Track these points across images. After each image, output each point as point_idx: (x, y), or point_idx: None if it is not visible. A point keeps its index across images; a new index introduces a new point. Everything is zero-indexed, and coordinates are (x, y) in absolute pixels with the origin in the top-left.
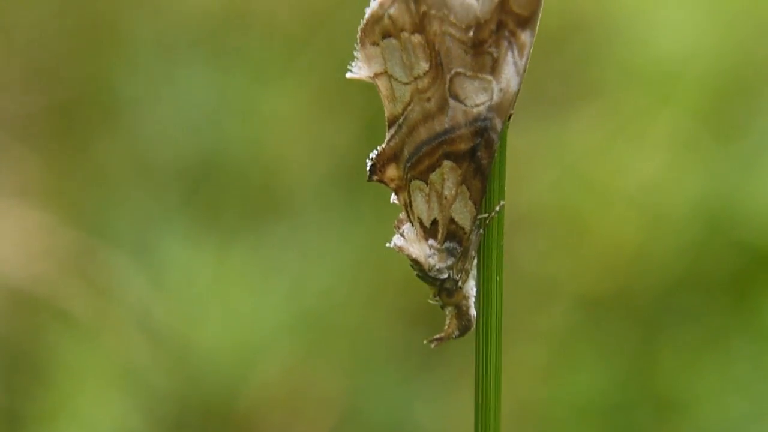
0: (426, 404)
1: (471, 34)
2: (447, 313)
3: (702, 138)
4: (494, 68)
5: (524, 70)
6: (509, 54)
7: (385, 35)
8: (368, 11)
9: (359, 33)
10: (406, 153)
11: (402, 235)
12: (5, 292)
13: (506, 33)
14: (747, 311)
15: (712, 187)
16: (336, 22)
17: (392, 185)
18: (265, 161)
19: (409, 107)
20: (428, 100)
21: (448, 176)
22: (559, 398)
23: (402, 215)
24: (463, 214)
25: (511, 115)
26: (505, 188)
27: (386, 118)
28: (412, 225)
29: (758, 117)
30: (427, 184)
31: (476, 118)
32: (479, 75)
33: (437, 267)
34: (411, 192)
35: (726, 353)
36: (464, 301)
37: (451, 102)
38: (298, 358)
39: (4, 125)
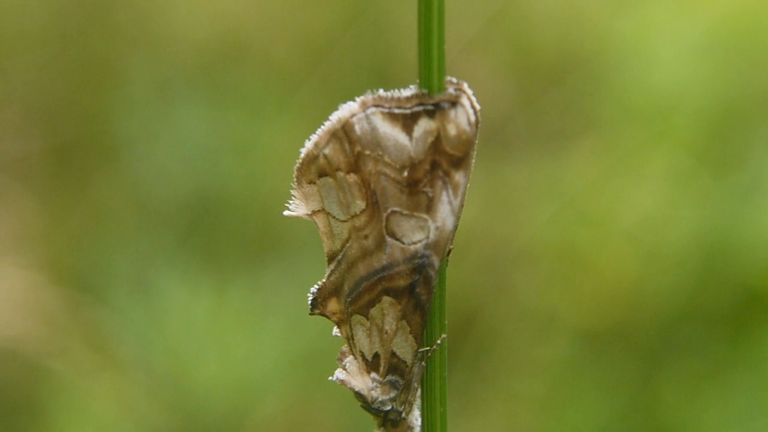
0: None
1: (405, 174)
2: None
3: (699, 172)
4: (430, 207)
5: (460, 209)
6: (444, 193)
7: (321, 174)
8: (303, 151)
9: (295, 172)
10: (346, 288)
11: (344, 368)
12: (4, 330)
13: (440, 173)
14: (747, 344)
15: (710, 221)
16: (332, 59)
17: (334, 318)
18: (263, 198)
19: (348, 244)
20: (366, 237)
21: (388, 311)
22: (559, 431)
23: (344, 348)
24: (404, 348)
25: (450, 251)
26: (446, 321)
27: (326, 254)
28: (355, 358)
29: (754, 150)
30: (367, 319)
31: (413, 256)
32: (415, 214)
33: (380, 399)
34: (352, 326)
35: (726, 386)
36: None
37: (389, 239)
38: (297, 396)
39: (2, 167)
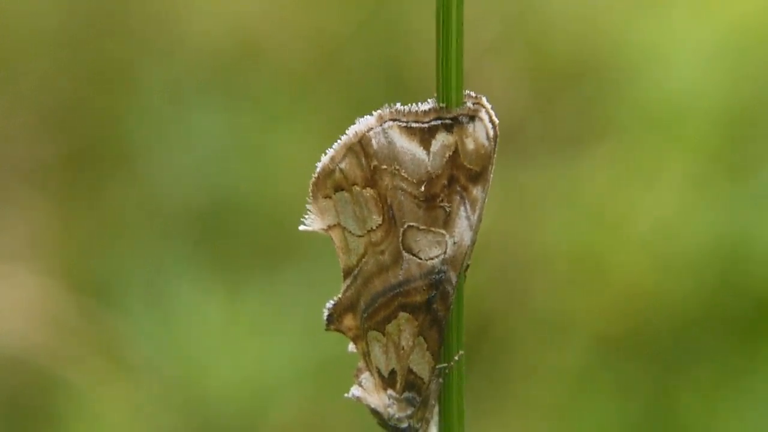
0: None
1: (423, 188)
2: None
3: (715, 177)
4: (447, 222)
5: (478, 224)
6: (462, 209)
7: (337, 189)
8: (319, 165)
9: (311, 186)
10: (362, 303)
11: (360, 384)
12: (15, 337)
13: (458, 188)
14: (764, 351)
15: (726, 226)
16: (345, 62)
17: (349, 334)
18: (277, 201)
19: (364, 259)
20: (382, 252)
21: (404, 327)
22: None
23: (360, 364)
24: (421, 364)
25: (468, 266)
26: (464, 338)
27: (341, 269)
28: (371, 374)
29: None
30: (383, 335)
31: (430, 271)
32: (432, 229)
33: (397, 417)
34: (368, 342)
35: (743, 393)
36: None
37: (405, 255)
38: (311, 402)
39: (15, 173)
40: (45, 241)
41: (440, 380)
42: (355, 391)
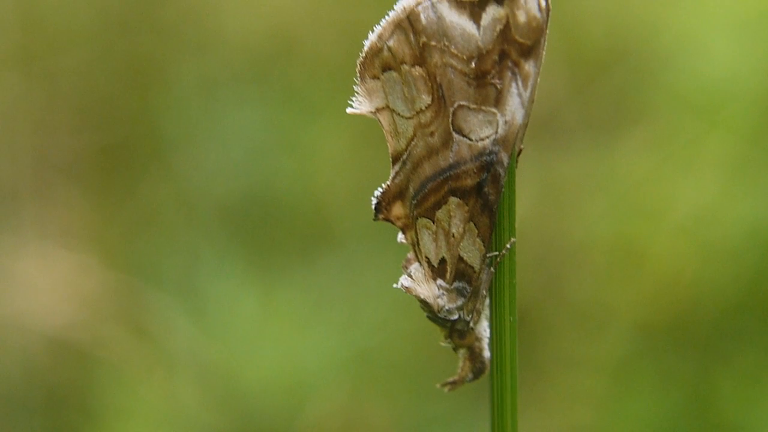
0: None
1: (473, 65)
2: (460, 355)
3: (754, 162)
4: (498, 100)
5: (530, 102)
6: (513, 85)
7: (385, 68)
8: (367, 43)
9: (358, 66)
10: (411, 190)
11: (410, 275)
12: (52, 333)
13: (509, 63)
14: None
15: (766, 211)
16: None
17: (399, 224)
18: (314, 195)
19: (413, 142)
20: (432, 134)
21: (454, 213)
22: (614, 428)
23: (410, 255)
24: (471, 252)
25: (520, 151)
26: (515, 224)
27: (390, 154)
28: (420, 264)
29: None
30: (433, 222)
31: (482, 153)
32: (483, 107)
33: (447, 308)
34: (418, 230)
35: None
36: (477, 343)
37: (456, 136)
38: (351, 394)
39: (52, 166)
40: (82, 231)
41: (491, 270)
42: (404, 281)
